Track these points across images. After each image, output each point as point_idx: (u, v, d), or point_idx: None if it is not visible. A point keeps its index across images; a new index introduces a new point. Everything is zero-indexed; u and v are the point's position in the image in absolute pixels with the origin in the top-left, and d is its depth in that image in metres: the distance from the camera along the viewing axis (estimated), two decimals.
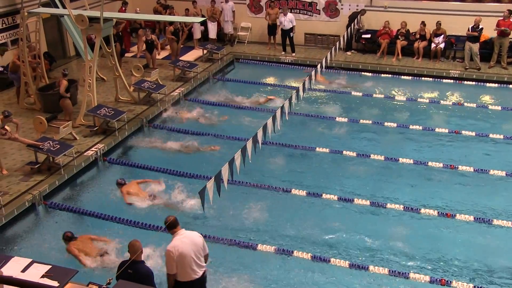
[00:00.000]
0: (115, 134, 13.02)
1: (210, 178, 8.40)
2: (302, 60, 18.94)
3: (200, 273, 7.21)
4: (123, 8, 19.51)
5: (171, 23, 18.87)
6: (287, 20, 18.94)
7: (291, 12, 19.50)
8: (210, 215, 10.15)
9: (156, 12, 20.22)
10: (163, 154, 12.78)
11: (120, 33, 17.39)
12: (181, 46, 19.40)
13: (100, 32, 13.18)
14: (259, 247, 9.38)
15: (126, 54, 18.81)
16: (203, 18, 17.58)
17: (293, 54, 19.32)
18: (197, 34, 20.10)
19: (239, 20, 20.82)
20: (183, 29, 19.49)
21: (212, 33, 19.95)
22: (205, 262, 7.33)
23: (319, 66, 13.35)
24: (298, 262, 9.09)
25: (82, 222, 10.16)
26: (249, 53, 19.83)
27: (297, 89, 12.05)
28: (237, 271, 8.76)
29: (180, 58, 18.20)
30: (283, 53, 19.47)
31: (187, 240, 7.09)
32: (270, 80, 18.00)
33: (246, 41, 20.88)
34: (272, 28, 19.65)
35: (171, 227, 7.14)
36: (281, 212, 10.45)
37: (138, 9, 19.50)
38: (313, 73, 12.88)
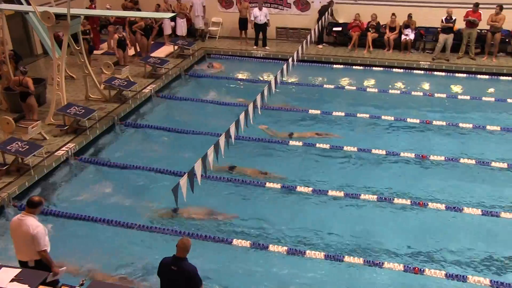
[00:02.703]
0: (86, 133, 12.81)
1: (184, 175, 8.35)
2: (274, 54, 18.92)
3: None
4: (93, 6, 19.20)
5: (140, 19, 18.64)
6: (263, 14, 18.91)
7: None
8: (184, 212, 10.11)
9: (125, 8, 19.94)
10: (136, 152, 12.66)
11: (88, 31, 17.09)
12: (152, 42, 19.19)
13: (67, 29, 12.94)
14: (235, 242, 9.37)
15: (96, 52, 18.50)
16: (174, 14, 17.43)
17: (267, 48, 19.29)
18: (168, 30, 19.90)
19: (210, 15, 20.69)
20: (152, 25, 19.29)
21: (181, 30, 19.71)
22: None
23: (290, 59, 13.33)
24: (274, 255, 9.12)
25: (54, 223, 9.97)
26: (221, 48, 19.73)
27: (269, 83, 12.01)
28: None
29: (151, 55, 18.02)
30: (255, 47, 19.43)
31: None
32: (242, 75, 17.93)
33: (217, 36, 20.77)
34: (243, 23, 19.58)
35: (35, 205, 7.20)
36: (256, 206, 10.44)
37: (109, 5, 19.21)
38: (284, 66, 12.85)
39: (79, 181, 11.45)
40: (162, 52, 19.17)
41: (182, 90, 16.54)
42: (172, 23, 19.85)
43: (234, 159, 11.76)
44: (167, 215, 10.16)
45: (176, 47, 18.94)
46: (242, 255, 9.16)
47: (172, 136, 13.37)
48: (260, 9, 18.92)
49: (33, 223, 7.07)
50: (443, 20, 17.56)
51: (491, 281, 8.40)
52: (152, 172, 11.59)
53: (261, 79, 17.26)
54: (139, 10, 19.81)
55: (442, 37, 17.73)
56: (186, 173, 8.29)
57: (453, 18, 17.42)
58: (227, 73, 17.89)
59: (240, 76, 17.83)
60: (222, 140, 9.38)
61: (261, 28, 19.17)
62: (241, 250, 9.25)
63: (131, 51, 18.65)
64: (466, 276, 8.48)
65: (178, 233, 9.48)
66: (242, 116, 10.23)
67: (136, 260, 8.89)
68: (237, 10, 19.80)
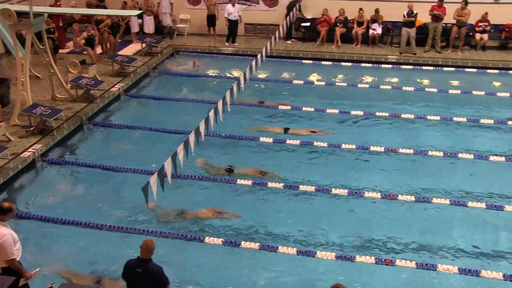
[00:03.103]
0: (53, 133, 12.57)
1: (154, 173, 8.26)
2: (243, 51, 18.89)
3: None
4: (57, 3, 18.86)
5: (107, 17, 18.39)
6: (236, 10, 18.85)
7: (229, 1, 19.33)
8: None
9: (89, 6, 19.59)
10: (105, 152, 12.49)
11: (52, 29, 16.76)
12: (119, 40, 18.94)
13: (30, 27, 12.64)
14: (207, 239, 9.33)
15: (61, 50, 18.15)
16: (141, 11, 17.24)
17: (235, 44, 19.23)
18: (135, 28, 19.66)
19: (177, 12, 20.52)
20: (119, 23, 19.05)
21: (148, 28, 19.45)
22: None
23: (259, 55, 13.32)
24: (246, 251, 9.11)
25: (22, 226, 9.75)
26: (189, 45, 19.61)
27: (238, 79, 11.98)
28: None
29: (119, 53, 17.78)
30: (227, 44, 19.35)
31: None
32: (212, 71, 17.84)
33: (185, 33, 20.62)
34: (211, 19, 19.47)
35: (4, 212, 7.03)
36: (227, 203, 10.41)
37: (74, 2, 18.88)
38: (253, 63, 12.83)
39: (47, 183, 11.22)
40: (129, 50, 18.95)
41: (151, 88, 16.38)
42: (139, 21, 19.62)
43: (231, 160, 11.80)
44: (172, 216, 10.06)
45: (144, 45, 18.72)
46: (217, 253, 9.13)
47: (142, 134, 13.22)
48: (233, 5, 18.85)
49: (0, 232, 6.89)
50: (405, 15, 17.82)
51: (459, 269, 8.56)
52: (122, 172, 11.44)
53: (231, 75, 17.20)
54: (104, 7, 19.48)
55: (404, 31, 17.98)
56: (156, 172, 8.21)
57: (415, 12, 17.70)
58: (197, 70, 17.77)
59: (209, 73, 17.73)
60: (191, 138, 9.32)
61: (234, 24, 19.10)
62: (215, 248, 9.20)
63: (98, 50, 18.37)
64: (435, 265, 8.61)
65: (149, 232, 9.38)
66: (211, 113, 10.19)
67: (106, 261, 8.75)
68: (205, 6, 19.68)
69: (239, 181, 11.01)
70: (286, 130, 13.28)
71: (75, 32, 18.47)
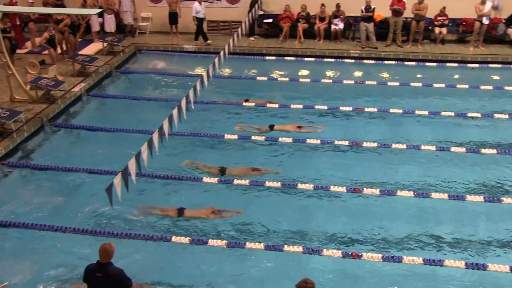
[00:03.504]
0: (12, 136, 12.26)
1: (118, 174, 8.15)
2: (206, 48, 18.81)
3: None
4: (13, 2, 18.40)
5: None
6: (203, 8, 18.74)
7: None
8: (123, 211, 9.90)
9: (46, 4, 19.14)
10: (68, 153, 12.26)
11: (9, 28, 16.34)
12: (79, 39, 18.60)
13: None
14: (174, 239, 9.26)
15: (19, 51, 17.67)
16: (101, 10, 16.95)
17: (209, 42, 19.14)
18: (96, 27, 19.33)
19: (139, 10, 20.28)
20: (79, 22, 18.71)
21: (109, 26, 19.14)
22: None
23: (222, 53, 13.28)
24: (213, 250, 9.09)
25: None
26: (152, 43, 19.40)
27: (201, 77, 11.91)
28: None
29: (79, 53, 17.46)
30: (197, 41, 19.22)
31: None
32: (175, 69, 17.70)
33: (147, 32, 20.39)
34: (173, 17, 19.30)
35: None
36: (197, 200, 10.38)
37: (31, 0, 18.44)
38: (216, 60, 12.79)
39: (7, 187, 10.95)
40: (90, 49, 18.63)
41: (114, 88, 16.17)
42: (100, 20, 19.29)
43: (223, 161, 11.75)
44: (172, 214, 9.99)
45: (105, 44, 18.45)
46: (183, 252, 9.08)
47: (105, 135, 13.01)
48: (200, 3, 18.70)
49: None
50: (363, 10, 18.05)
51: (424, 259, 8.71)
52: (86, 173, 11.24)
53: (194, 73, 17.09)
54: (63, 6, 19.06)
55: (362, 25, 18.23)
56: (120, 172, 8.11)
57: (372, 7, 17.94)
58: (160, 68, 17.61)
59: (172, 71, 17.57)
60: (155, 137, 9.24)
61: (202, 22, 18.98)
62: (181, 247, 9.15)
63: (58, 50, 17.99)
64: (401, 257, 8.75)
65: (112, 234, 9.26)
66: (175, 112, 10.11)
67: (71, 264, 8.60)
68: (166, 4, 19.48)
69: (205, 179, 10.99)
70: (271, 127, 13.24)
71: (32, 31, 18.04)
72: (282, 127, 13.26)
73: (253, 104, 14.51)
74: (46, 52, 17.16)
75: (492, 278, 8.42)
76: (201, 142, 12.66)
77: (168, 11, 19.30)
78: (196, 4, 18.68)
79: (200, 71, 16.92)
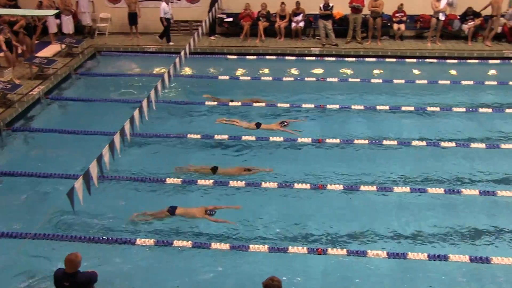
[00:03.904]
0: None
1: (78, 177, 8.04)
2: (167, 48, 18.68)
3: None
4: None
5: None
6: (171, 8, 18.59)
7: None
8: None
9: None
10: (27, 158, 12.00)
11: None
12: (36, 41, 18.19)
13: None
14: (138, 241, 9.16)
15: None
16: (57, 11, 16.62)
17: (171, 44, 18.98)
18: (53, 28, 18.93)
19: (98, 10, 20.00)
20: (35, 23, 18.29)
21: (67, 28, 18.76)
22: None
23: (182, 52, 13.23)
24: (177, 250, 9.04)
25: None
26: (111, 44, 19.14)
27: (162, 77, 11.83)
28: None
29: (36, 55, 17.08)
30: (161, 41, 19.08)
31: None
32: (136, 70, 17.52)
33: (107, 33, 20.11)
34: (132, 17, 19.09)
35: None
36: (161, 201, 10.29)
37: None
38: (177, 60, 12.73)
39: None
40: (48, 51, 18.25)
41: (74, 90, 15.92)
42: (57, 21, 18.90)
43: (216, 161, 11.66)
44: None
45: (63, 45, 18.08)
46: (148, 253, 9.01)
47: (65, 138, 12.78)
48: (168, 3, 18.52)
49: None
50: (321, 7, 18.24)
51: (388, 253, 8.86)
52: (46, 178, 11.01)
53: (155, 73, 16.93)
54: (17, 7, 18.54)
55: (321, 23, 18.44)
56: (81, 176, 8.00)
57: (330, 5, 18.17)
58: (120, 69, 17.40)
59: (133, 72, 17.39)
60: (117, 139, 9.15)
61: (169, 23, 18.85)
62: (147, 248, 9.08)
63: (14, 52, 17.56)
64: (366, 251, 8.88)
65: (77, 238, 9.12)
66: (136, 113, 10.02)
67: (34, 271, 8.42)
68: (125, 4, 19.24)
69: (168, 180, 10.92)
70: (258, 125, 13.20)
71: None
72: (267, 126, 13.26)
73: (216, 103, 14.47)
74: (1, 54, 16.72)
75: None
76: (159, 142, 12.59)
77: (127, 12, 19.07)
78: (164, 4, 18.49)
79: (161, 71, 16.80)
